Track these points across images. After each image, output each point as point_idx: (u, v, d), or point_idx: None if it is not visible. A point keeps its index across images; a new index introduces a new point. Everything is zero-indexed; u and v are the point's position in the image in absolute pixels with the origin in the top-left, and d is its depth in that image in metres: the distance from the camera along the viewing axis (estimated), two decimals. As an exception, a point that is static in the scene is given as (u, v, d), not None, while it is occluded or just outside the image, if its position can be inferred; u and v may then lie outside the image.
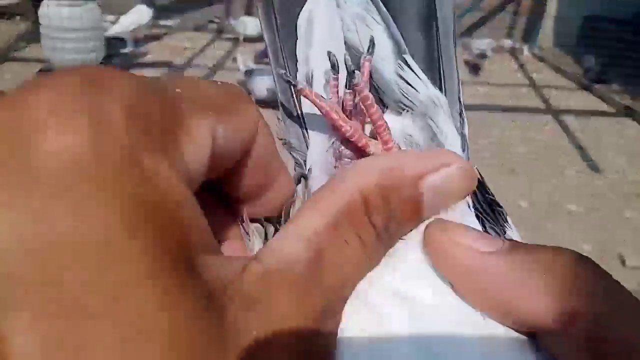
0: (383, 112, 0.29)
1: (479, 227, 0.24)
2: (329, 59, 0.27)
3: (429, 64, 0.29)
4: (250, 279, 0.16)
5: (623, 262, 2.27)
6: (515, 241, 0.20)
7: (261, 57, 4.10)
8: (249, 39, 4.68)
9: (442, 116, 0.28)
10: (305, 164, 0.28)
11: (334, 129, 0.26)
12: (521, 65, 5.01)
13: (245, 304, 0.15)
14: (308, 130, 0.29)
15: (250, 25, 4.68)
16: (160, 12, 4.72)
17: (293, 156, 0.29)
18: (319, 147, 0.28)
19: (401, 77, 0.29)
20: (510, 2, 5.65)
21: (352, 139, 0.26)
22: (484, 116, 3.53)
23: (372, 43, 0.28)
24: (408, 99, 0.28)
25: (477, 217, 0.24)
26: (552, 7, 5.47)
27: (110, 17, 4.43)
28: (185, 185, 0.16)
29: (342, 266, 0.18)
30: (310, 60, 0.30)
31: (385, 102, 0.29)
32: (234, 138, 0.20)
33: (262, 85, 3.24)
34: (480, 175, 0.25)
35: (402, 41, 0.29)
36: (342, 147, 0.27)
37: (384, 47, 0.29)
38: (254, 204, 0.25)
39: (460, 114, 0.29)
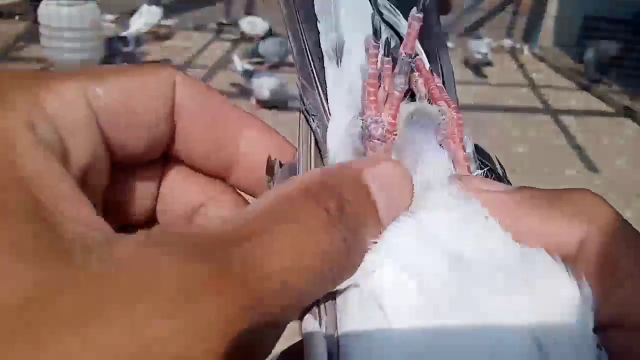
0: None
1: None
2: (372, 23, 0.25)
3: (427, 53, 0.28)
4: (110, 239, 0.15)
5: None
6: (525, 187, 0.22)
7: (252, 55, 4.10)
8: (250, 38, 4.68)
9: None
10: (325, 140, 0.25)
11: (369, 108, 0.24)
12: (521, 65, 5.00)
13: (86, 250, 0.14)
14: (328, 103, 0.26)
15: (260, 25, 4.70)
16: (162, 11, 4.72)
17: (311, 126, 0.26)
18: (341, 123, 0.25)
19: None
20: (510, 2, 5.65)
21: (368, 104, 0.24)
22: (484, 116, 3.53)
23: None
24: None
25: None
26: (552, 7, 5.47)
27: (110, 17, 4.42)
28: (40, 149, 0.16)
29: (280, 252, 0.16)
30: (341, 25, 0.26)
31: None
32: (124, 97, 0.20)
33: (263, 86, 3.24)
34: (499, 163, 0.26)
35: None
36: (373, 126, 0.24)
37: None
38: (219, 167, 0.24)
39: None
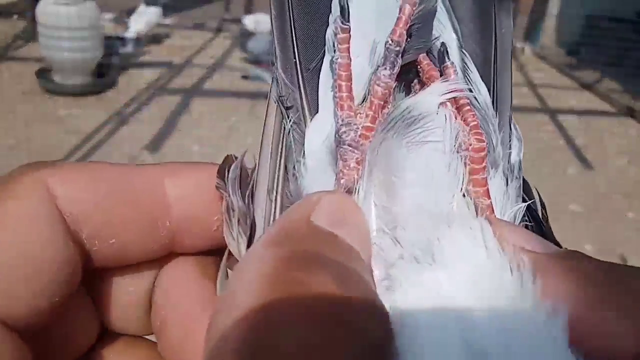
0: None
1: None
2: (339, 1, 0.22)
3: (482, 68, 0.25)
4: None
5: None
6: (576, 251, 0.19)
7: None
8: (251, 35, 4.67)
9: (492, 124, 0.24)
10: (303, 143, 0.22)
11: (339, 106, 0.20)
12: (521, 65, 4.99)
13: None
14: (309, 100, 0.23)
15: (263, 22, 4.69)
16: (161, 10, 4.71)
17: (284, 126, 0.23)
18: (326, 121, 0.22)
19: (467, 67, 0.24)
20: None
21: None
22: (485, 116, 3.51)
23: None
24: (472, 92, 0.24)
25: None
26: (553, 7, 5.45)
27: (109, 16, 4.42)
28: None
29: None
30: (353, 27, 0.23)
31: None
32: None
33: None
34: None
35: (460, 34, 0.25)
36: (343, 129, 0.21)
37: (448, 35, 0.25)
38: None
39: (510, 133, 0.26)
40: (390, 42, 0.22)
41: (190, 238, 0.24)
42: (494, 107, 0.24)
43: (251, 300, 0.14)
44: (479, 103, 0.23)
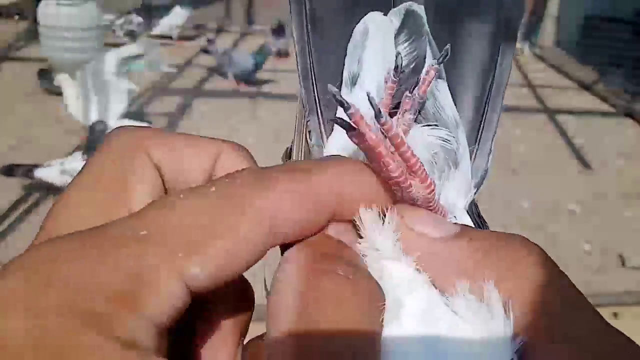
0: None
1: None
2: (395, 60, 0.27)
3: (473, 115, 0.31)
4: None
5: (623, 262, 2.26)
6: (467, 227, 0.22)
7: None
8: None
9: (461, 137, 0.29)
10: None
11: (376, 164, 0.22)
12: (520, 66, 5.00)
13: None
14: (325, 125, 0.29)
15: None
16: (160, 11, 4.72)
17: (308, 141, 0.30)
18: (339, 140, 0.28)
19: (437, 91, 0.29)
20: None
21: (396, 180, 0.22)
22: (484, 116, 3.52)
23: (446, 52, 0.27)
24: (437, 116, 0.29)
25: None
26: (552, 7, 5.46)
27: (109, 17, 4.42)
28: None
29: None
30: (364, 62, 0.29)
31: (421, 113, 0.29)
32: (178, 162, 0.24)
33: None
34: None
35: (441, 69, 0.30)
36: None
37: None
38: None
39: (491, 145, 0.31)
40: (417, 95, 0.27)
41: None
42: (478, 129, 0.31)
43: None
44: (446, 118, 0.29)
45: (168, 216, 0.18)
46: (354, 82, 0.29)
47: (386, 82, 0.28)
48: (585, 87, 4.43)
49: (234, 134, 3.23)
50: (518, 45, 5.44)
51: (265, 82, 4.12)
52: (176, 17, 4.72)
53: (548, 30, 5.51)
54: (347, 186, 0.21)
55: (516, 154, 3.13)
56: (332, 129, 0.29)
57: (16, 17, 4.63)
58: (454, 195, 0.28)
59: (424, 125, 0.28)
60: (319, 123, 0.29)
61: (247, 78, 4.01)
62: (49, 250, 0.18)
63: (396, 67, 0.27)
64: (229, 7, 5.35)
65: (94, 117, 2.93)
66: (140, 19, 4.45)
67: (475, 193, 0.29)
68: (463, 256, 0.21)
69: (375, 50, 0.29)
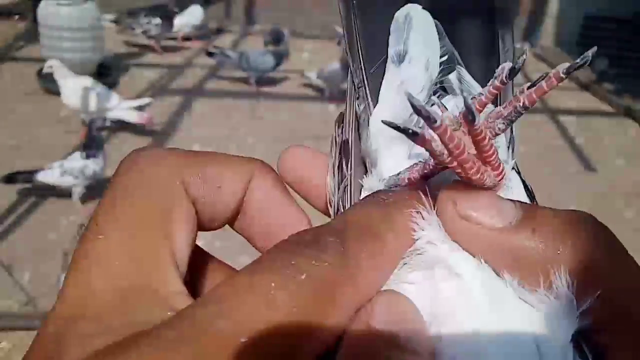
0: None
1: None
2: (516, 60, 0.25)
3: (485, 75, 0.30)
4: None
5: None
6: (527, 208, 0.21)
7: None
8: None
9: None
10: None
11: (452, 163, 0.21)
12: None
13: None
14: (380, 90, 0.31)
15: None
16: (159, 11, 4.71)
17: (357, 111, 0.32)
18: (387, 110, 0.30)
19: (461, 80, 0.31)
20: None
21: (470, 176, 0.21)
22: (484, 116, 3.52)
23: (515, 70, 0.25)
24: (466, 90, 0.31)
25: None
26: (552, 7, 5.46)
27: (109, 17, 4.42)
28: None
29: None
30: (410, 43, 0.31)
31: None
32: (218, 183, 0.24)
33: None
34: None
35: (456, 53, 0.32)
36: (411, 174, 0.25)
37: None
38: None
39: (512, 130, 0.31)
40: (522, 104, 0.24)
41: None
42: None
43: None
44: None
45: None
46: (401, 59, 0.31)
47: (493, 80, 0.25)
48: (585, 87, 4.43)
49: (234, 134, 3.23)
50: (518, 45, 5.44)
51: (283, 79, 4.13)
52: (192, 17, 4.66)
53: (548, 30, 5.50)
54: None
55: (516, 153, 3.13)
56: (377, 101, 0.31)
57: (16, 17, 4.63)
58: (504, 154, 0.29)
59: (457, 97, 0.30)
60: (366, 93, 0.31)
61: (266, 78, 4.02)
62: None
63: (513, 68, 0.24)
64: (229, 7, 5.35)
65: (92, 107, 2.94)
66: (158, 20, 4.35)
67: (513, 152, 0.31)
68: (529, 251, 0.20)
69: (418, 34, 0.31)
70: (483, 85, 0.27)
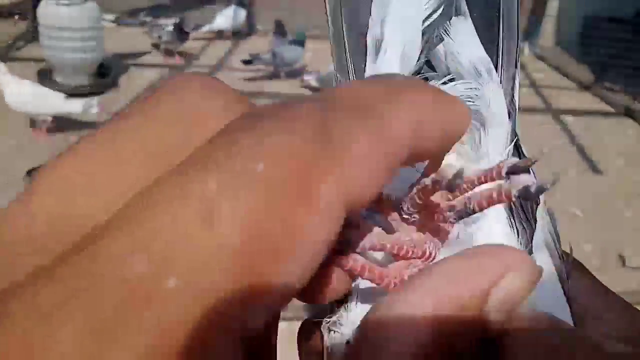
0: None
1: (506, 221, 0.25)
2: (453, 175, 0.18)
3: (488, 21, 0.28)
4: None
5: (623, 262, 2.27)
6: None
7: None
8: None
9: (489, 85, 0.27)
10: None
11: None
12: (521, 65, 4.99)
13: None
14: None
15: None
16: (158, 11, 4.71)
17: None
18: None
19: (446, 36, 0.28)
20: (510, 2, 5.63)
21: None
22: (484, 116, 3.52)
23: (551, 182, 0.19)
24: (452, 67, 0.28)
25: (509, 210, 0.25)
26: (552, 7, 5.46)
27: (110, 17, 4.42)
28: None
29: None
30: (386, 23, 0.28)
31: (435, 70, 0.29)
32: None
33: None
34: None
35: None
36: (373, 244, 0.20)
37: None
38: None
39: (514, 77, 0.29)
40: (467, 206, 0.20)
41: None
42: (500, 69, 0.29)
43: None
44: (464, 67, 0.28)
45: None
46: (377, 49, 0.28)
47: (486, 171, 0.20)
48: (585, 87, 4.43)
49: (234, 134, 3.22)
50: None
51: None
52: (235, 17, 4.67)
53: (548, 30, 5.50)
54: (427, 122, 0.16)
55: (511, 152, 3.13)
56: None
57: (16, 17, 4.63)
58: (493, 150, 0.27)
59: (439, 83, 0.27)
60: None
61: (295, 70, 4.01)
62: None
63: (450, 182, 0.18)
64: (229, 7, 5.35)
65: (31, 108, 2.94)
66: (171, 29, 4.20)
67: (515, 137, 0.28)
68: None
69: (396, 15, 0.28)
70: (480, 38, 0.27)
